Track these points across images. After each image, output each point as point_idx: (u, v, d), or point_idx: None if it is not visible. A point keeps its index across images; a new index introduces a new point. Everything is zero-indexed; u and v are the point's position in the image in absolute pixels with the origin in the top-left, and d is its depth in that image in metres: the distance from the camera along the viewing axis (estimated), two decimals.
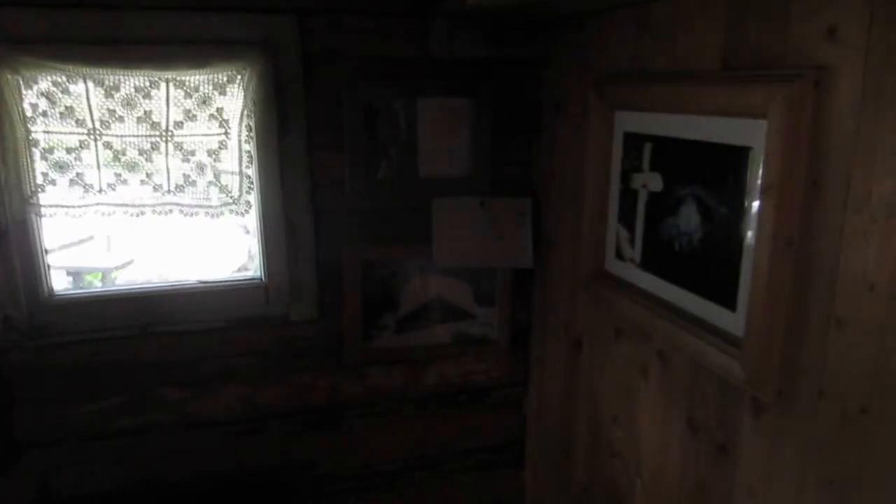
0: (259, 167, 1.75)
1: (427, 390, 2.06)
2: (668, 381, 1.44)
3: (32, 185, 1.62)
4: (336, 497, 2.05)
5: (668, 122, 1.37)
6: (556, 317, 1.95)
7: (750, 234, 1.15)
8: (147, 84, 1.63)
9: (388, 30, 1.76)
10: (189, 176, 1.70)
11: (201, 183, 1.72)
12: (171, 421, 1.85)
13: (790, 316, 1.09)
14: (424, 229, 1.89)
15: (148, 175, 1.69)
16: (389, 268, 1.92)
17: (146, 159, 1.67)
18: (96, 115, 1.63)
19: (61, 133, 1.61)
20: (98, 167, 1.65)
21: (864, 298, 0.96)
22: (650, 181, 1.45)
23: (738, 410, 1.24)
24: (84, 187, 1.66)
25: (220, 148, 1.71)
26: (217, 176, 1.72)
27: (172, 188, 1.70)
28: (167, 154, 1.68)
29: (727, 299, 1.22)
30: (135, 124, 1.65)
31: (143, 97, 1.64)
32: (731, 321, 1.22)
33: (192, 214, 1.72)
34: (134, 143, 1.66)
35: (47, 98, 1.59)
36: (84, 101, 1.61)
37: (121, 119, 1.64)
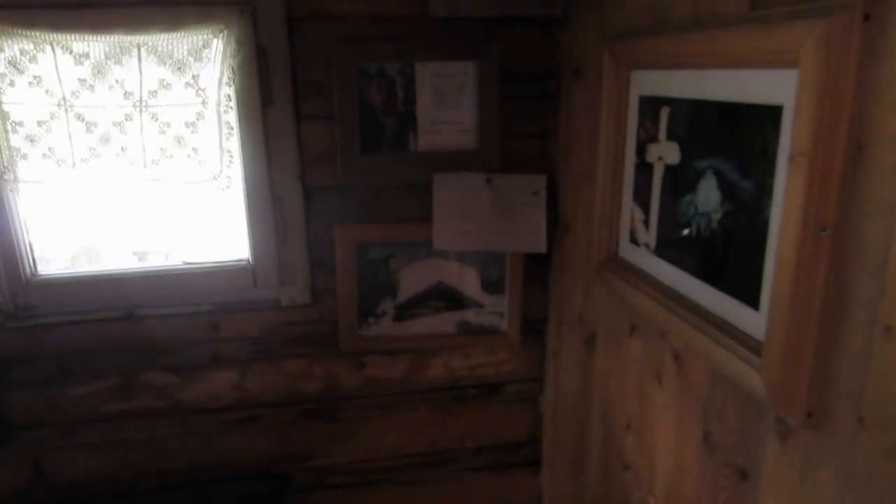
0: (242, 140, 1.62)
1: (432, 383, 1.90)
2: (684, 388, 1.23)
3: (5, 159, 1.54)
4: (334, 491, 1.93)
5: (687, 81, 1.14)
6: (571, 308, 1.74)
7: (776, 214, 0.93)
8: (118, 50, 1.52)
9: None
10: (166, 150, 1.58)
11: (179, 156, 1.59)
12: (160, 407, 1.77)
13: (824, 320, 0.86)
14: (424, 208, 1.72)
15: (123, 149, 1.58)
16: (387, 250, 1.75)
17: (120, 131, 1.56)
18: (66, 84, 1.52)
19: (30, 104, 1.52)
20: (70, 140, 1.55)
21: None
22: (666, 153, 1.22)
23: (760, 430, 1.02)
24: (57, 162, 1.56)
25: (198, 119, 1.58)
26: (196, 150, 1.60)
27: (149, 162, 1.59)
28: (142, 126, 1.56)
29: (749, 295, 1.00)
30: (107, 93, 1.54)
31: (115, 64, 1.52)
32: (754, 322, 0.99)
33: (171, 190, 1.61)
34: (107, 114, 1.55)
35: (14, 67, 1.50)
36: (53, 69, 1.51)
37: (92, 88, 1.54)
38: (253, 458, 1.86)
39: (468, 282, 1.80)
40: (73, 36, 1.49)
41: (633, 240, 1.37)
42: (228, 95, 1.59)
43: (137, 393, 1.75)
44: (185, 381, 1.76)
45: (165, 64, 1.54)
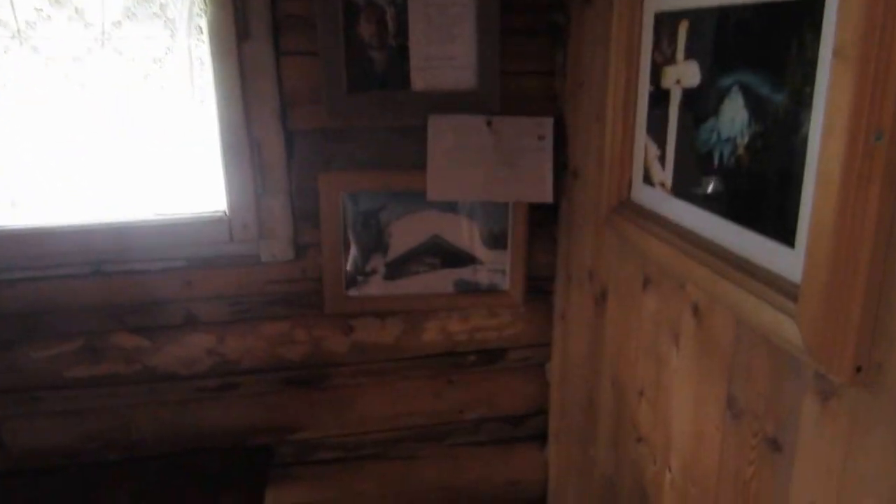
0: (216, 78, 1.46)
1: (427, 348, 1.75)
2: (704, 346, 1.06)
3: None
4: (321, 466, 1.80)
5: None
6: (581, 263, 1.58)
7: (816, 129, 0.75)
8: None
9: None
10: (131, 87, 1.45)
11: (146, 94, 1.45)
12: (129, 372, 1.64)
13: (877, 250, 0.69)
14: (418, 154, 1.56)
15: (82, 86, 1.44)
16: (376, 200, 1.60)
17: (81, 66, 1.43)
18: (21, 14, 1.39)
19: None
20: (26, 76, 1.42)
21: None
22: (685, 74, 1.05)
23: (796, 391, 0.86)
24: (11, 100, 1.43)
25: (166, 54, 1.44)
26: (163, 88, 1.46)
27: (113, 101, 1.45)
28: (104, 61, 1.42)
29: (782, 229, 0.83)
30: (66, 24, 1.40)
31: None
32: (789, 262, 0.82)
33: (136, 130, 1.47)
34: (66, 47, 1.41)
35: None
36: None
37: (49, 18, 1.40)
38: (231, 430, 1.72)
39: (466, 236, 1.64)
40: None
41: (648, 180, 1.20)
42: (200, 27, 1.44)
43: (104, 357, 1.62)
44: (157, 344, 1.63)
45: None
